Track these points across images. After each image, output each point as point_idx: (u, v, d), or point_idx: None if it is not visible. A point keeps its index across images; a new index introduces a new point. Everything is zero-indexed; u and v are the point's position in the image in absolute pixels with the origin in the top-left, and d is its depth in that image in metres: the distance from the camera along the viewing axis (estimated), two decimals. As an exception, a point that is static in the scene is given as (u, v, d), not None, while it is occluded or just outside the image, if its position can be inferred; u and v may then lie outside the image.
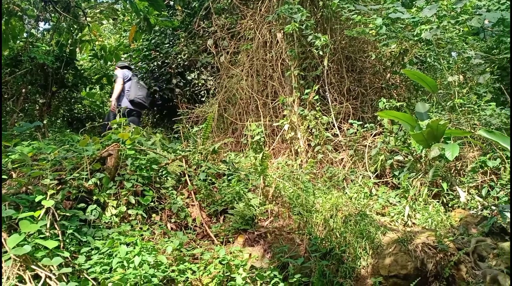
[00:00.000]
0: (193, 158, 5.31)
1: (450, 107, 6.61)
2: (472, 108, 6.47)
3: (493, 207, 5.49)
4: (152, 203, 4.63)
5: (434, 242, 4.28)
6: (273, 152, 7.51)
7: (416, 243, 4.23)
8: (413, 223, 5.26)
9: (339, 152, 7.11)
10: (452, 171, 6.24)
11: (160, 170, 4.95)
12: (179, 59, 10.13)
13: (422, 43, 6.83)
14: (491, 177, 6.09)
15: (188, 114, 8.70)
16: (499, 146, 5.96)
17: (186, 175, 5.02)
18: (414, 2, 7.48)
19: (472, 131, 6.14)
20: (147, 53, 10.65)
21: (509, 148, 5.62)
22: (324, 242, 4.53)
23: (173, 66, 10.16)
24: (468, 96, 6.74)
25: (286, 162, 6.91)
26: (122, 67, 8.69)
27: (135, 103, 8.25)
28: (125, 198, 4.44)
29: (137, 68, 10.69)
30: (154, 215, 4.64)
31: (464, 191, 5.73)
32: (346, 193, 5.93)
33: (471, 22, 6.59)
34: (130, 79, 8.41)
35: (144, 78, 10.25)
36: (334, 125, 7.28)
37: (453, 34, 6.42)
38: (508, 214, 5.44)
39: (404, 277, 4.02)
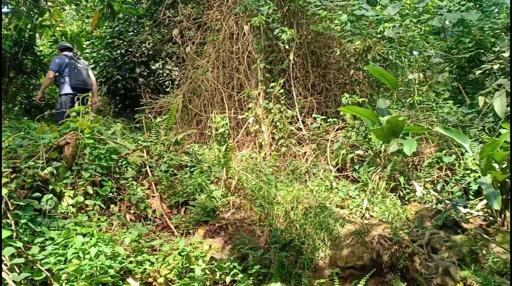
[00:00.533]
0: (155, 148, 5.24)
1: (410, 104, 6.81)
2: (430, 106, 6.70)
3: (447, 201, 5.72)
4: (111, 194, 4.52)
5: (390, 234, 4.41)
6: (237, 144, 7.51)
7: (372, 235, 4.35)
8: (371, 216, 5.40)
9: (302, 146, 7.21)
10: (409, 166, 6.45)
11: (120, 160, 4.85)
12: (143, 48, 9.93)
13: (385, 41, 6.99)
14: (446, 172, 6.33)
15: (152, 105, 8.56)
16: (454, 143, 6.20)
17: (147, 166, 4.95)
18: (378, 0, 7.64)
19: (430, 127, 6.36)
20: (110, 40, 10.38)
21: (464, 145, 5.88)
22: (284, 233, 4.59)
23: (137, 55, 9.96)
24: (427, 94, 6.98)
25: (250, 154, 6.94)
26: (62, 49, 8.11)
27: (76, 89, 7.73)
28: (83, 188, 4.31)
29: (99, 56, 10.41)
30: (112, 206, 4.54)
31: (420, 186, 5.93)
32: (308, 186, 6.02)
33: (432, 22, 6.80)
34: (67, 66, 7.82)
35: (107, 66, 10.00)
36: (298, 119, 7.36)
37: (414, 33, 6.60)
38: (461, 208, 5.69)
39: (361, 268, 4.12)
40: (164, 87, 9.81)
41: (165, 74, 9.79)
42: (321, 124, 7.03)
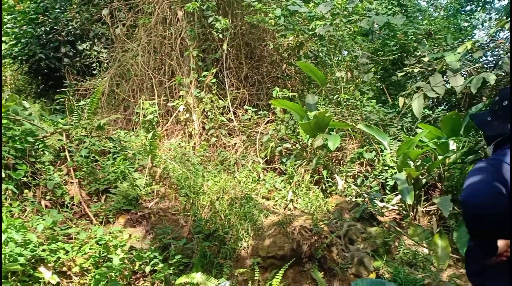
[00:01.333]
0: (76, 132, 4.96)
1: (337, 101, 7.06)
2: (355, 104, 6.99)
3: (365, 195, 6.02)
4: (25, 178, 4.23)
5: (311, 225, 4.56)
6: (166, 133, 7.34)
7: (294, 226, 4.47)
8: (295, 207, 5.55)
9: (233, 137, 7.21)
10: (333, 161, 6.70)
11: (37, 143, 4.53)
12: (70, 27, 9.35)
13: (316, 38, 7.17)
14: (366, 168, 6.66)
15: (77, 87, 8.10)
16: (375, 140, 6.54)
17: (66, 150, 4.67)
18: (312, -3, 7.81)
19: (354, 124, 6.64)
20: (34, 16, 9.64)
21: (383, 142, 6.21)
22: (208, 223, 4.57)
23: (63, 33, 9.35)
24: (353, 92, 7.27)
25: (178, 143, 6.81)
26: None
27: None
28: (-7, 171, 3.99)
29: (21, 32, 9.64)
30: (26, 191, 4.25)
31: (342, 179, 6.19)
32: (236, 177, 6.04)
33: (361, 23, 7.08)
34: None
35: (29, 43, 9.29)
36: (229, 110, 7.34)
37: (344, 32, 6.84)
38: (378, 202, 6.02)
39: (281, 257, 4.22)
40: (91, 69, 9.33)
41: (92, 56, 9.29)
42: (252, 116, 7.08)
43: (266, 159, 6.66)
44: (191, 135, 7.12)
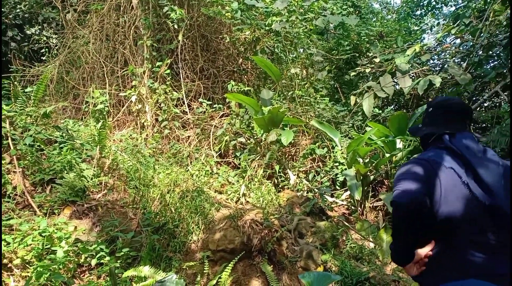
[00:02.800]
0: (20, 120, 4.72)
1: (291, 97, 7.15)
2: (309, 101, 7.10)
3: (316, 190, 6.16)
4: (-40, 167, 3.99)
5: (262, 219, 4.59)
6: (117, 123, 7.14)
7: (245, 220, 4.49)
8: (247, 201, 5.58)
9: (186, 130, 7.13)
10: (286, 156, 6.79)
11: (-24, 130, 4.29)
12: (18, 10, 8.86)
13: (272, 34, 7.22)
14: (318, 163, 6.81)
15: (23, 73, 7.70)
16: (327, 137, 6.69)
17: (9, 138, 4.44)
18: (269, -7, 7.84)
19: (307, 121, 6.76)
20: (-24, -5, 9.06)
21: (335, 139, 6.37)
22: (158, 216, 4.50)
23: (10, 16, 8.85)
24: (308, 89, 7.39)
25: (130, 135, 6.65)
26: None
27: None
28: None
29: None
30: (-38, 180, 4.02)
31: (294, 174, 6.29)
32: (188, 170, 5.99)
33: (316, 22, 7.20)
34: None
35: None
36: (184, 102, 7.25)
37: (300, 30, 6.92)
38: (328, 197, 6.18)
39: (231, 251, 4.23)
40: (40, 55, 8.89)
41: (41, 41, 8.86)
42: (206, 109, 7.03)
43: (220, 152, 6.65)
44: (143, 127, 6.97)
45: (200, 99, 7.21)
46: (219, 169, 6.29)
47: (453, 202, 1.83)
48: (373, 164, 5.93)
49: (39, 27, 9.07)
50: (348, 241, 4.97)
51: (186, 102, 7.24)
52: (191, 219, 4.53)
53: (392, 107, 9.55)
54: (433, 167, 1.90)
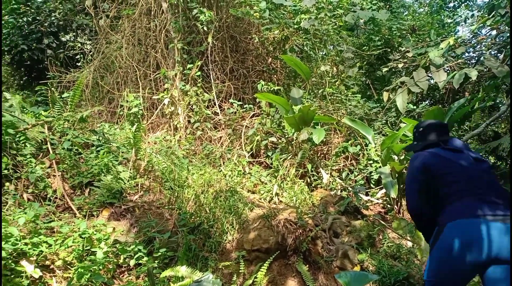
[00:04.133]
0: (58, 125, 4.88)
1: (322, 95, 7.09)
2: (340, 98, 7.02)
3: (350, 189, 6.08)
4: (6, 171, 4.16)
5: (296, 218, 4.58)
6: (151, 126, 7.27)
7: (279, 219, 4.48)
8: (280, 201, 5.57)
9: (218, 131, 7.18)
10: (318, 154, 6.73)
11: (18, 136, 4.45)
12: (53, 18, 9.18)
13: (301, 32, 7.17)
14: (351, 162, 6.72)
15: (60, 79, 7.97)
16: (360, 134, 6.60)
17: (49, 143, 4.60)
18: (297, -9, 7.80)
19: (339, 118, 6.68)
20: (15, 6, 9.44)
21: (368, 136, 6.27)
22: (193, 217, 4.56)
23: (46, 24, 9.18)
24: (338, 86, 7.30)
25: (164, 137, 6.77)
26: None
27: None
28: (-28, 164, 3.91)
29: (3, 22, 9.43)
30: (7, 184, 4.18)
31: (327, 173, 6.23)
32: (221, 170, 6.03)
33: (346, 18, 7.10)
34: None
35: (11, 34, 9.10)
36: (215, 103, 7.31)
37: (329, 27, 6.84)
38: (363, 196, 6.09)
39: (266, 250, 4.24)
40: (75, 61, 9.18)
41: (76, 47, 9.15)
42: (237, 110, 7.06)
43: (251, 152, 6.66)
44: (176, 129, 7.07)
45: (231, 100, 7.25)
46: (251, 169, 6.30)
47: (443, 169, 2.70)
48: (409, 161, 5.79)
49: (74, 33, 9.36)
50: (385, 240, 4.88)
51: (217, 103, 7.29)
52: (225, 219, 4.56)
53: (426, 102, 9.32)
54: (431, 155, 2.80)
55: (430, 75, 6.64)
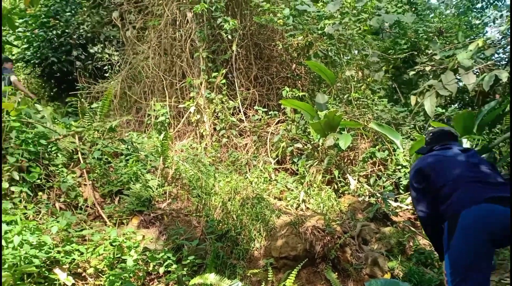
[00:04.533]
0: (88, 135, 5.00)
1: (347, 100, 7.03)
2: (366, 103, 6.94)
3: (379, 195, 5.98)
4: (39, 181, 4.27)
5: (323, 225, 4.53)
6: (178, 134, 7.37)
7: (306, 226, 4.45)
8: (307, 208, 5.53)
9: (244, 137, 7.21)
10: (345, 160, 6.66)
11: (50, 146, 4.58)
12: (81, 30, 9.45)
13: (325, 37, 7.14)
14: (379, 167, 6.61)
15: (89, 89, 8.18)
16: (387, 139, 6.49)
17: (79, 153, 4.71)
18: (320, -3, 7.79)
19: (365, 124, 6.60)
20: (45, 20, 9.77)
21: (396, 141, 6.16)
22: (220, 224, 4.58)
23: (74, 36, 9.47)
24: (364, 91, 7.22)
25: (190, 144, 6.84)
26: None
27: None
28: (8, 173, 4.04)
29: (33, 36, 9.77)
30: (40, 193, 4.29)
31: (355, 179, 6.15)
32: (247, 177, 6.04)
33: (370, 22, 7.03)
34: None
35: (41, 47, 9.42)
36: (240, 111, 7.35)
37: (353, 31, 6.79)
38: (391, 202, 5.98)
39: (294, 258, 4.21)
40: (103, 72, 9.41)
41: (104, 58, 9.38)
42: (262, 117, 7.07)
43: (277, 159, 6.65)
44: (203, 136, 7.14)
45: (256, 107, 7.28)
46: (277, 176, 6.29)
47: (444, 166, 2.92)
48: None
49: (101, 45, 9.61)
50: (416, 247, 4.79)
51: (242, 110, 7.33)
52: (252, 226, 4.56)
53: (456, 105, 9.11)
54: (435, 157, 3.05)
55: (458, 77, 6.49)
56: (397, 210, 5.88)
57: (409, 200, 6.08)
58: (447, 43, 8.63)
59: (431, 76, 8.04)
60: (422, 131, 7.34)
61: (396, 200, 6.10)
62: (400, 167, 6.40)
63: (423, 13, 11.04)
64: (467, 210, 2.58)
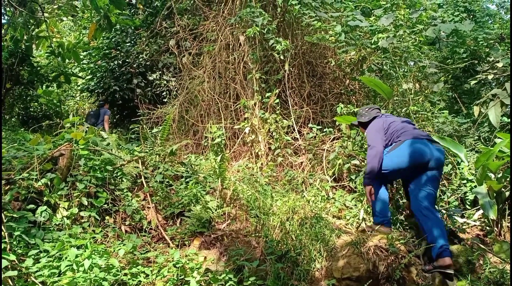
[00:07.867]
0: (150, 159, 5.23)
1: (405, 113, 6.83)
2: (426, 115, 6.71)
3: (444, 211, 5.71)
4: (105, 205, 4.50)
5: (386, 244, 4.38)
6: (234, 155, 7.50)
7: (368, 246, 4.32)
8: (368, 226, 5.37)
9: (299, 156, 7.19)
10: (405, 176, 6.42)
11: (115, 171, 4.83)
12: (141, 59, 9.98)
13: (379, 51, 7.03)
14: (443, 182, 6.33)
15: (149, 115, 8.57)
16: (450, 152, 6.21)
17: (142, 177, 4.93)
18: (372, 11, 7.69)
19: (426, 137, 6.35)
20: (107, 51, 10.44)
21: (460, 154, 5.89)
22: (280, 244, 4.56)
23: (134, 65, 10.01)
24: (423, 103, 7.00)
25: (246, 165, 6.92)
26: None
27: None
28: (77, 199, 4.30)
29: (96, 67, 10.45)
30: (107, 217, 4.52)
31: (417, 195, 5.90)
32: (304, 196, 6.00)
33: (426, 32, 6.85)
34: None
35: (104, 77, 10.04)
36: (294, 129, 7.36)
37: (409, 43, 6.64)
38: (458, 218, 5.69)
39: (357, 279, 4.09)
40: (162, 97, 9.84)
41: (162, 85, 9.82)
42: (317, 134, 7.03)
43: (334, 177, 6.55)
44: (258, 156, 7.21)
45: (310, 125, 7.26)
46: (334, 194, 6.19)
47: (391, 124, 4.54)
48: (507, 179, 5.33)
49: (160, 72, 10.07)
50: (486, 265, 4.49)
51: (296, 129, 7.34)
52: (312, 246, 4.50)
53: (523, 113, 8.55)
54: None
55: (525, 84, 6.12)
56: (464, 227, 5.57)
57: (476, 215, 5.75)
58: (510, 49, 8.18)
59: (494, 85, 7.65)
60: (487, 142, 6.96)
61: (462, 216, 5.79)
62: (465, 181, 6.10)
63: (482, 20, 10.57)
64: (408, 141, 4.35)
